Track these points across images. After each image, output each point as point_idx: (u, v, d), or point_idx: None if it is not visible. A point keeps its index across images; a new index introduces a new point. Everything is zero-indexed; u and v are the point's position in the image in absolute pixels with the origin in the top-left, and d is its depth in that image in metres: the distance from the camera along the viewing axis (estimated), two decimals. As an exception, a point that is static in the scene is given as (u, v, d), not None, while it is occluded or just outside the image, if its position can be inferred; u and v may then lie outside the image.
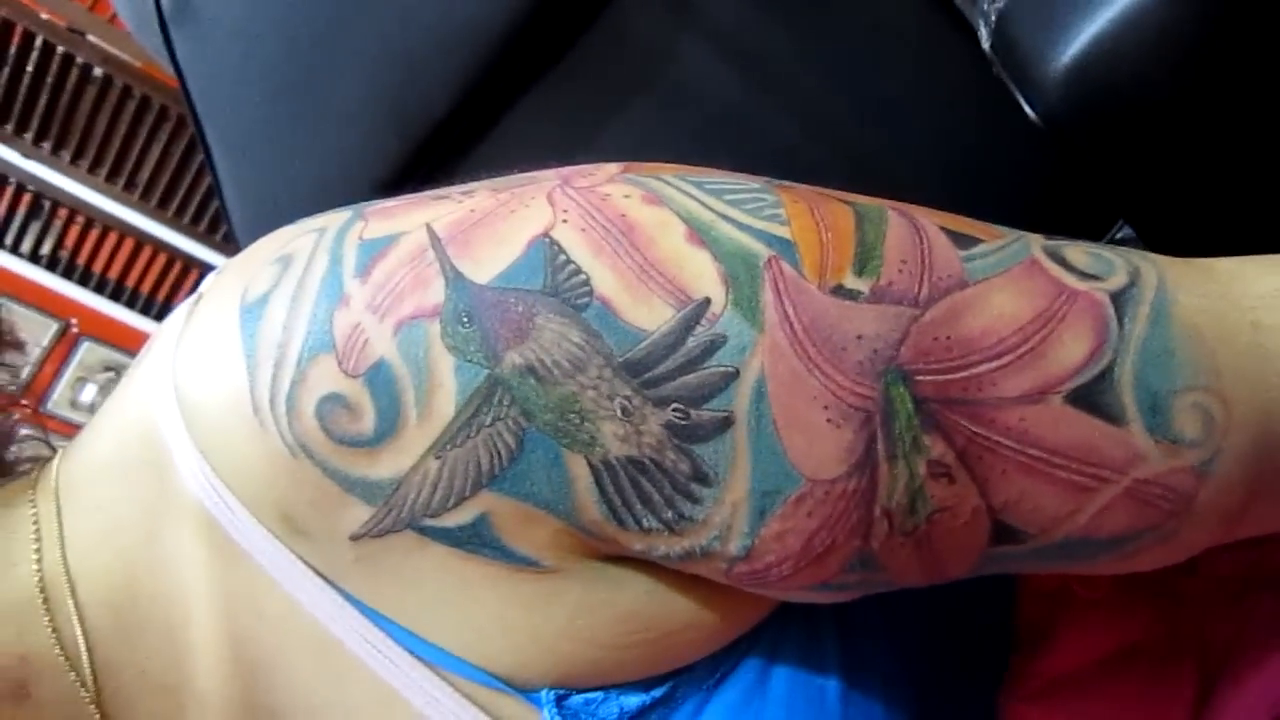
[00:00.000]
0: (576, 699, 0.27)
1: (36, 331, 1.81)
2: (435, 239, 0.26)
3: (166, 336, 0.30)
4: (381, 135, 0.64)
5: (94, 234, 1.85)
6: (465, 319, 0.25)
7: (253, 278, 0.27)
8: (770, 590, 0.26)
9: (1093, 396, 0.24)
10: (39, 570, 0.29)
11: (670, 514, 0.25)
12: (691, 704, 0.28)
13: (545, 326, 0.24)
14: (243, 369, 0.26)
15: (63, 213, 1.83)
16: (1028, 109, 0.41)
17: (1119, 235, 0.46)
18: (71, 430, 1.84)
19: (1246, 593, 0.37)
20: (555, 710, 0.27)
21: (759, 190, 0.26)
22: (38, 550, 0.30)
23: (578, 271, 0.24)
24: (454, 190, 0.28)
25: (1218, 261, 0.27)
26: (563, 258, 0.25)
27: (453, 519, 0.26)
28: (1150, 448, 0.24)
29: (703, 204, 0.26)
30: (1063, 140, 0.41)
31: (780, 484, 0.24)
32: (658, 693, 0.28)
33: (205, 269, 1.99)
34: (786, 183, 0.28)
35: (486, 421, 0.25)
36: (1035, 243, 0.26)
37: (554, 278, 0.24)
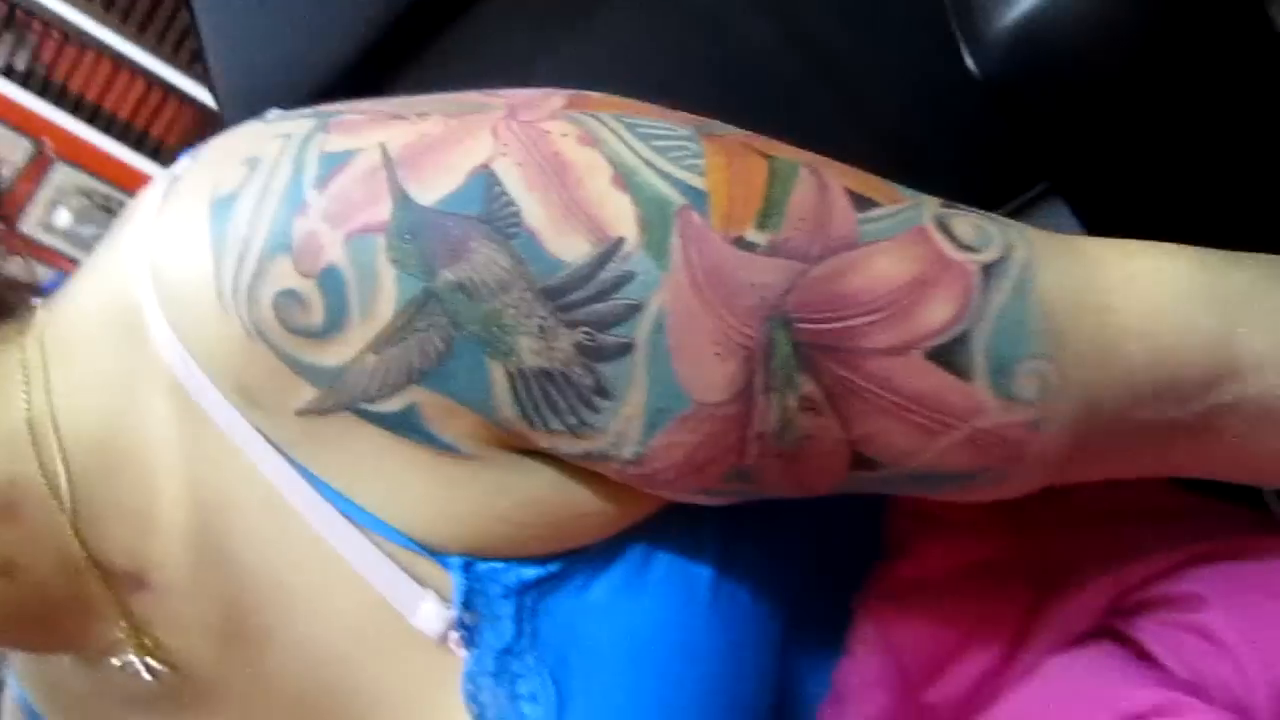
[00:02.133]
0: (482, 565, 0.32)
1: (8, 150, 1.78)
2: (388, 160, 0.28)
3: (145, 210, 0.33)
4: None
5: (71, 51, 1.81)
6: (408, 236, 0.28)
7: (223, 175, 0.30)
8: (658, 491, 0.31)
9: (949, 355, 0.28)
10: (28, 410, 0.33)
11: (573, 420, 0.29)
12: (580, 579, 0.33)
13: (478, 250, 0.27)
14: (210, 258, 0.29)
15: (38, 26, 1.78)
16: (970, 63, 0.43)
17: (1036, 192, 0.49)
18: (45, 254, 1.84)
19: (1092, 524, 0.42)
20: (463, 573, 0.32)
21: (686, 138, 0.29)
22: (26, 392, 0.33)
23: (511, 203, 0.27)
24: (411, 109, 0.30)
25: (1088, 243, 0.31)
26: (498, 189, 0.27)
27: (386, 406, 0.29)
28: (991, 402, 0.28)
29: (631, 149, 0.28)
30: (997, 99, 0.44)
31: (671, 403, 0.28)
32: (553, 568, 0.32)
33: (184, 98, 1.96)
34: (717, 129, 0.30)
35: (420, 326, 0.28)
36: (929, 210, 0.29)
37: (489, 206, 0.27)
